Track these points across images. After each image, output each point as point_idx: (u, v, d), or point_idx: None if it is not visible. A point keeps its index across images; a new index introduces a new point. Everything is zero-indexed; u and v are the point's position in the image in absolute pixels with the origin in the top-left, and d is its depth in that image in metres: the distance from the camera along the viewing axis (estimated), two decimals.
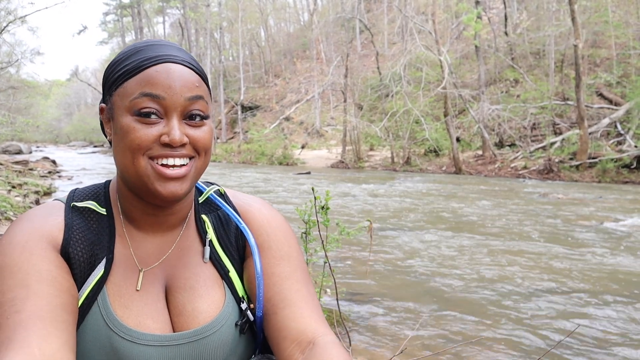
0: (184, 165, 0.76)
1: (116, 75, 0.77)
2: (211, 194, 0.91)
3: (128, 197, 0.82)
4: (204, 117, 0.78)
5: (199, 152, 0.78)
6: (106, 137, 0.83)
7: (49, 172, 15.59)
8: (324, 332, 0.77)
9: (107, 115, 0.80)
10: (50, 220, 0.78)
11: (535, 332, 3.29)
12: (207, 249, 0.85)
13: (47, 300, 0.68)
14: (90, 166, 20.71)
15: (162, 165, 0.75)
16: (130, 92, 0.74)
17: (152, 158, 0.75)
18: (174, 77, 0.74)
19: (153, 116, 0.74)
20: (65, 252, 0.76)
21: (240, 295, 0.85)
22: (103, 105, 0.81)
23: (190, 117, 0.76)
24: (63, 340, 0.66)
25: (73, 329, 0.70)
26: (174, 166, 0.75)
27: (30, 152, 30.57)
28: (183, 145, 0.75)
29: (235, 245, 0.88)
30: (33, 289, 0.69)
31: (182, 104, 0.75)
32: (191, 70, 0.77)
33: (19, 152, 28.07)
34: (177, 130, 0.74)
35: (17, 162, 16.31)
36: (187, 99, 0.75)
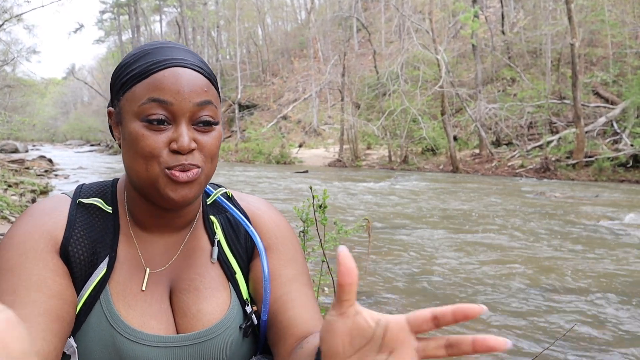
0: (193, 170, 0.75)
1: (125, 79, 0.76)
2: (219, 197, 0.92)
3: (135, 198, 0.81)
4: (214, 123, 0.76)
5: (206, 158, 0.76)
6: (115, 140, 0.83)
7: (46, 171, 15.54)
8: None
9: (116, 119, 0.79)
10: (52, 217, 0.78)
11: (531, 330, 3.30)
12: (216, 249, 0.85)
13: (30, 308, 0.68)
14: (87, 165, 20.65)
15: (173, 171, 0.74)
16: (139, 97, 0.73)
17: (165, 166, 0.74)
18: (182, 82, 0.73)
19: (162, 123, 0.73)
20: (65, 251, 0.76)
21: (245, 298, 0.85)
22: (111, 109, 0.80)
23: (199, 123, 0.75)
24: (35, 350, 0.66)
25: (54, 337, 0.69)
26: (183, 171, 0.74)
27: (27, 151, 30.45)
28: (192, 151, 0.74)
29: (245, 247, 0.88)
30: (20, 296, 0.69)
31: (191, 110, 0.73)
32: (200, 74, 0.76)
33: (15, 150, 27.96)
34: (185, 136, 0.73)
35: (13, 161, 16.26)
36: (196, 104, 0.74)
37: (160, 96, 0.72)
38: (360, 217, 7.38)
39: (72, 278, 0.76)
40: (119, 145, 0.82)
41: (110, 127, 0.84)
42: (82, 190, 0.84)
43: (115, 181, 0.87)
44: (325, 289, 3.77)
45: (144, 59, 0.76)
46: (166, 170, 0.74)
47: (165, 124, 0.73)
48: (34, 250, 0.73)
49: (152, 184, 0.75)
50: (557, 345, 3.01)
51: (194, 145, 0.74)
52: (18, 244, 0.73)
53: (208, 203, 0.90)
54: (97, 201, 0.82)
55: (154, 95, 0.73)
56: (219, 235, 0.87)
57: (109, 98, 0.84)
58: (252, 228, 0.88)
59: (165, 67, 0.74)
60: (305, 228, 2.85)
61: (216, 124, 0.77)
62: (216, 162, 0.79)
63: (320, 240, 2.51)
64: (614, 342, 3.11)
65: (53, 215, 0.78)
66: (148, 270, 0.81)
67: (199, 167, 0.75)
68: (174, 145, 0.73)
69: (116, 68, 0.80)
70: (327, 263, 2.52)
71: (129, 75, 0.76)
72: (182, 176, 0.74)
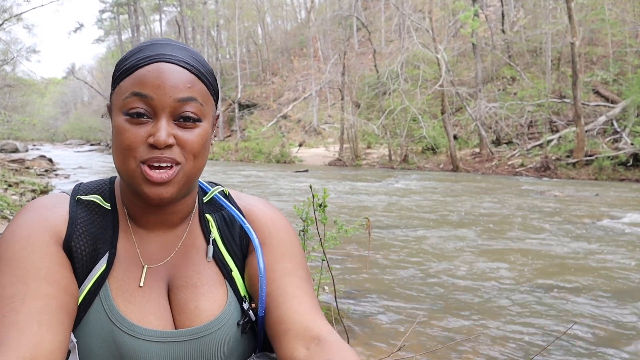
0: (170, 167, 0.74)
1: (117, 75, 0.78)
2: (216, 195, 0.92)
3: (128, 194, 0.82)
4: (196, 120, 0.75)
5: (187, 155, 0.76)
6: None
7: (46, 171, 15.54)
8: (330, 330, 0.77)
9: (110, 114, 0.80)
10: (55, 212, 0.78)
11: (531, 329, 3.30)
12: (211, 247, 0.86)
13: (45, 301, 0.69)
14: (87, 164, 20.66)
15: (149, 167, 0.74)
16: (124, 92, 0.75)
17: (140, 159, 0.74)
18: (164, 77, 0.73)
19: (141, 116, 0.73)
20: (68, 246, 0.77)
21: (242, 295, 0.86)
22: (108, 103, 0.82)
23: (180, 118, 0.75)
24: (55, 346, 0.67)
25: (67, 332, 0.70)
26: (159, 168, 0.74)
27: (27, 151, 30.46)
28: (170, 147, 0.74)
29: (240, 244, 0.89)
30: (31, 287, 0.69)
31: (171, 105, 0.73)
32: (186, 70, 0.75)
33: (15, 150, 27.97)
34: (163, 131, 0.72)
35: (13, 161, 16.26)
36: (177, 100, 0.73)
37: (141, 90, 0.73)
38: (361, 216, 7.38)
39: (73, 273, 0.77)
40: None
41: None
42: (80, 188, 0.84)
43: (113, 179, 0.88)
44: (325, 287, 3.77)
45: (136, 55, 0.77)
46: (141, 165, 0.74)
47: (146, 117, 0.73)
48: (40, 242, 0.74)
49: (129, 179, 0.76)
50: (556, 344, 3.01)
51: (171, 140, 0.73)
52: (22, 236, 0.74)
53: (204, 201, 0.91)
54: (95, 198, 0.83)
55: (136, 89, 0.73)
56: (215, 233, 0.87)
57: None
58: (247, 224, 0.88)
59: (150, 62, 0.74)
60: (306, 227, 2.85)
61: (199, 120, 0.76)
62: (202, 161, 0.78)
63: (321, 239, 2.51)
64: (613, 341, 3.12)
65: (55, 211, 0.78)
66: (146, 266, 0.82)
67: (178, 162, 0.75)
68: (151, 139, 0.73)
69: (115, 65, 0.82)
70: (327, 262, 2.52)
71: (120, 70, 0.77)
72: (156, 176, 0.73)
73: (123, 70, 0.76)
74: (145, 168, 0.73)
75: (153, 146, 0.73)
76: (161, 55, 0.75)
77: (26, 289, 0.69)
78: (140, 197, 0.78)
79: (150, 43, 0.79)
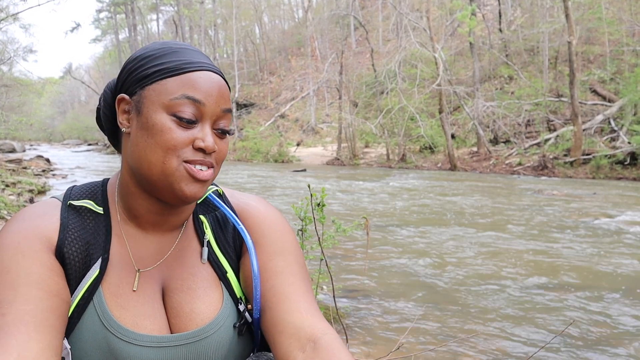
0: (210, 170, 0.78)
1: (152, 70, 0.76)
2: (210, 195, 0.91)
3: (134, 194, 0.81)
4: (229, 132, 0.80)
5: (217, 161, 0.80)
6: (102, 128, 0.83)
7: (43, 171, 15.51)
8: (324, 329, 0.76)
9: (129, 107, 0.78)
10: (45, 220, 0.77)
11: (529, 328, 3.31)
12: (205, 249, 0.85)
13: (34, 304, 0.68)
14: (84, 164, 20.62)
15: (191, 165, 0.76)
16: (171, 91, 0.75)
17: (184, 159, 0.76)
18: (214, 87, 0.77)
19: (191, 122, 0.75)
20: (60, 253, 0.76)
21: (238, 296, 0.85)
22: (125, 96, 0.79)
23: (219, 129, 0.79)
24: (44, 345, 0.66)
25: (59, 333, 0.70)
26: (201, 170, 0.77)
27: (24, 151, 30.37)
28: (212, 152, 0.78)
29: (233, 245, 0.88)
30: (21, 291, 0.69)
31: (217, 114, 0.77)
32: (225, 84, 0.81)
33: (13, 150, 27.87)
34: (210, 137, 0.77)
35: (10, 161, 16.20)
36: (222, 110, 0.78)
37: (194, 95, 0.75)
38: (359, 215, 7.38)
39: (66, 280, 0.76)
40: (114, 138, 0.83)
41: (100, 113, 0.84)
42: (72, 193, 0.83)
43: (105, 181, 0.86)
44: (324, 287, 3.77)
45: (175, 56, 0.78)
46: (184, 164, 0.75)
47: (194, 122, 0.76)
48: (31, 249, 0.73)
49: (166, 177, 0.75)
50: (554, 343, 3.02)
51: (216, 147, 0.78)
52: (12, 245, 0.73)
53: (198, 202, 0.90)
54: (87, 203, 0.82)
55: (189, 93, 0.75)
56: (209, 235, 0.87)
57: (114, 85, 0.83)
58: (241, 225, 0.87)
59: (201, 69, 0.77)
60: (304, 226, 2.85)
61: (230, 133, 0.81)
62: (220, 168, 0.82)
63: (319, 238, 2.51)
64: (611, 340, 3.12)
65: (45, 218, 0.78)
66: (139, 270, 0.81)
67: (212, 166, 0.79)
68: (200, 144, 0.76)
69: (136, 58, 0.79)
70: (326, 261, 2.52)
71: (157, 67, 0.76)
72: (202, 174, 0.76)
73: (164, 68, 0.76)
74: (190, 166, 0.76)
75: (200, 150, 0.76)
76: (208, 65, 0.79)
77: (15, 293, 0.69)
78: (162, 196, 0.78)
79: (181, 47, 0.80)
